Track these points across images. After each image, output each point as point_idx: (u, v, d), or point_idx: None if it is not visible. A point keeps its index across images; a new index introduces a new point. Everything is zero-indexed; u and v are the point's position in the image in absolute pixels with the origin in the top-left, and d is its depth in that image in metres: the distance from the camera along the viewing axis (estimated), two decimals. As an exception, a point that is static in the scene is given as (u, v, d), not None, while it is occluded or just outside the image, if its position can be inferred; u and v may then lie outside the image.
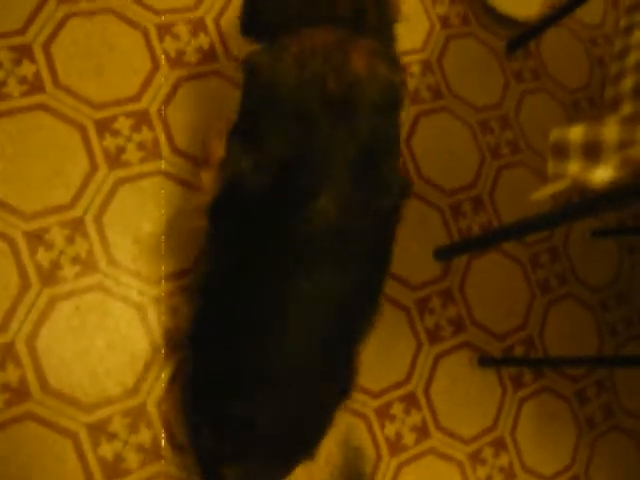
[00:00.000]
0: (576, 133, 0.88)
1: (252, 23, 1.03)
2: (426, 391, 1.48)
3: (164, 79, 1.41)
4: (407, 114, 1.60)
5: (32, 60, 1.32)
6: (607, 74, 1.02)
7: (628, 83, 0.94)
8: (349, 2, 0.94)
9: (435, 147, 1.66)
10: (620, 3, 2.11)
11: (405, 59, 1.69)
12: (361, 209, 0.93)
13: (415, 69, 1.69)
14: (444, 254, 1.56)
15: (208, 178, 1.09)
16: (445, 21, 1.77)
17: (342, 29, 0.93)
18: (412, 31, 1.73)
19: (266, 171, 0.92)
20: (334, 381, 1.07)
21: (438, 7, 1.79)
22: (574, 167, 0.87)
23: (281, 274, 0.95)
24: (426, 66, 1.71)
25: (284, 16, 0.96)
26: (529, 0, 1.92)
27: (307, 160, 0.90)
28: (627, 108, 0.89)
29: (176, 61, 1.43)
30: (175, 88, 1.41)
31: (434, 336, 1.52)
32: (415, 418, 1.45)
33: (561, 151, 0.89)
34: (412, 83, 1.68)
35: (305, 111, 0.89)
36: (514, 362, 1.54)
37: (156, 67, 1.41)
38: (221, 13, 1.51)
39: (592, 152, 0.85)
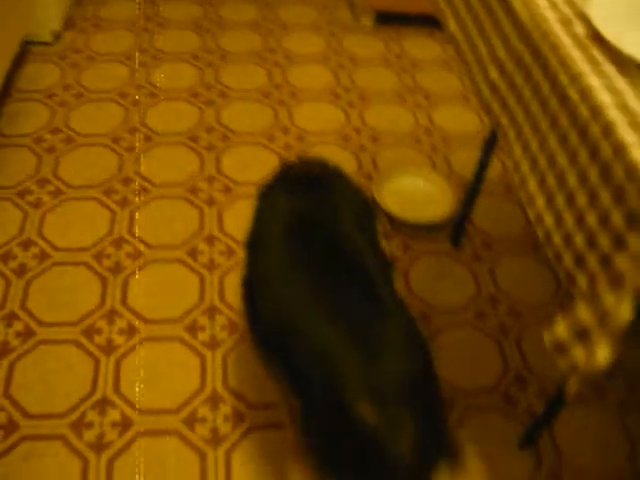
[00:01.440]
0: (561, 328, 1.00)
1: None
2: None
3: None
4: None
5: None
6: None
7: (567, 259, 1.07)
8: None
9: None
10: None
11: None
12: None
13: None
14: (527, 440, 1.59)
15: None
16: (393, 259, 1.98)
17: None
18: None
19: None
20: None
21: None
22: (579, 353, 0.97)
23: None
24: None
25: None
26: (436, 207, 2.16)
27: None
28: (582, 281, 1.01)
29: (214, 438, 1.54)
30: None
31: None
32: None
33: (561, 348, 1.00)
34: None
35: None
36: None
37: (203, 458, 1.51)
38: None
39: (583, 336, 0.96)
